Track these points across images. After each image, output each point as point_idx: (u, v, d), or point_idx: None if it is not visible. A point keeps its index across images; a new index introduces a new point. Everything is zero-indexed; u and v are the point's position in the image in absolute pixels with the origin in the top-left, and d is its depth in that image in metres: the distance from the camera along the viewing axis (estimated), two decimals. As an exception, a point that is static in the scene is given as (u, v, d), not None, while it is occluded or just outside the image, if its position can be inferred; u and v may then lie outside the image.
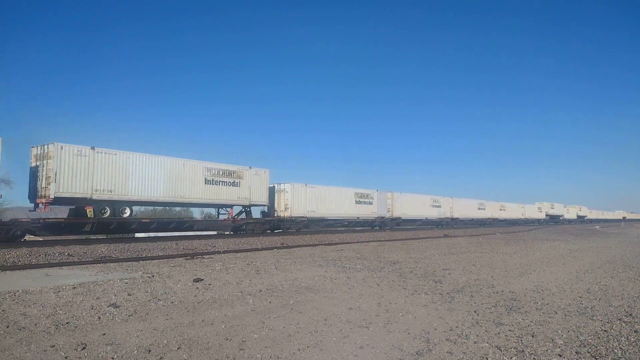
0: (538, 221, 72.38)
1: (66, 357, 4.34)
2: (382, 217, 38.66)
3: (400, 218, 41.17)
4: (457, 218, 50.32)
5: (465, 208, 52.13)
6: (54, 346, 4.64)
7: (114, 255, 13.92)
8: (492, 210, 57.92)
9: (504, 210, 62.49)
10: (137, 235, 25.42)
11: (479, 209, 55.22)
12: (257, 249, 16.86)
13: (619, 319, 6.17)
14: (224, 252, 15.54)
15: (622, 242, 26.27)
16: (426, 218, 45.79)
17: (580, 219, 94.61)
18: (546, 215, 75.13)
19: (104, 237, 23.03)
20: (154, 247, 16.87)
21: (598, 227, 61.56)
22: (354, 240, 22.80)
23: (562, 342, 5.02)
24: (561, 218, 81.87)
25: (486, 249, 18.73)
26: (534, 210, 72.30)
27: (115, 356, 4.39)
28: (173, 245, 17.82)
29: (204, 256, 13.93)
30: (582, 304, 7.22)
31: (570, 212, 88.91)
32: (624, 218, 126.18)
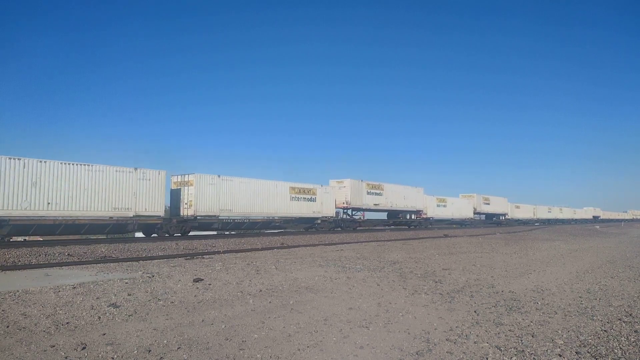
0: (328, 221, 32.38)
1: (66, 357, 4.34)
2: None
3: (215, 216, 25.30)
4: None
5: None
6: (54, 346, 4.64)
7: (113, 255, 13.92)
8: None
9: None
10: (137, 235, 25.67)
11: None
12: (257, 249, 16.86)
13: (619, 319, 6.17)
14: (224, 252, 15.54)
15: (622, 242, 26.26)
16: (283, 218, 29.46)
17: (492, 219, 57.98)
18: (378, 206, 37.12)
19: (104, 237, 23.08)
20: (154, 247, 16.87)
21: (598, 227, 61.32)
22: (353, 240, 22.80)
23: (562, 342, 5.02)
24: (433, 218, 45.20)
25: (486, 249, 18.74)
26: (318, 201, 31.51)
27: (115, 356, 4.39)
28: (173, 245, 17.81)
29: (204, 256, 13.94)
30: (582, 304, 7.21)
31: (461, 208, 49.49)
32: (594, 217, 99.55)
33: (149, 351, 4.54)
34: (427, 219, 44.56)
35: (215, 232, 27.90)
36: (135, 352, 4.51)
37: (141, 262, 12.28)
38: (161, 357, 4.38)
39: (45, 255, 13.45)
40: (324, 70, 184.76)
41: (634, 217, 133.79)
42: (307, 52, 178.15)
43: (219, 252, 15.31)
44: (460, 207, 50.10)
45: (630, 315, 6.46)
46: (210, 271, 10.25)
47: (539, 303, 7.21)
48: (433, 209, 45.26)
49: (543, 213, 74.56)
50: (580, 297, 7.82)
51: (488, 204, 56.42)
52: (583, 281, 9.71)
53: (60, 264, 11.50)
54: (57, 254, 13.68)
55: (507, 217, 60.85)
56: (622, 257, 15.63)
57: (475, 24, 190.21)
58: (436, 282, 9.24)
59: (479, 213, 54.98)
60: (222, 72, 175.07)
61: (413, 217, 42.95)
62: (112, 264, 11.70)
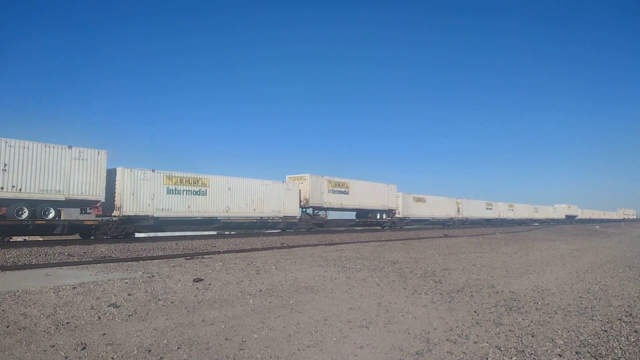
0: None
1: (66, 357, 4.34)
2: None
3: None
4: None
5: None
6: (54, 346, 4.64)
7: (114, 255, 13.92)
8: None
9: None
10: (137, 235, 25.63)
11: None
12: (257, 249, 16.86)
13: (619, 319, 6.17)
14: (224, 252, 15.54)
15: (622, 242, 26.25)
16: None
17: (367, 216, 37.83)
18: None
19: (104, 237, 23.05)
20: (154, 247, 16.87)
21: (598, 227, 61.13)
22: (354, 240, 22.80)
23: (562, 342, 5.02)
24: (161, 219, 22.79)
25: (486, 249, 18.74)
26: None
27: (115, 356, 4.38)
28: (173, 245, 17.82)
29: (204, 256, 13.93)
30: (582, 304, 7.21)
31: (266, 200, 28.18)
32: (568, 217, 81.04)
33: (149, 351, 4.54)
34: (145, 217, 22.29)
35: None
36: (135, 352, 4.51)
37: (141, 262, 12.28)
38: (161, 357, 4.38)
39: (45, 255, 13.45)
40: (324, 70, 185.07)
41: (625, 217, 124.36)
42: (307, 52, 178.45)
43: (219, 252, 15.31)
44: (267, 197, 28.54)
45: (630, 315, 6.46)
46: (210, 271, 10.25)
47: (539, 303, 7.21)
48: (167, 202, 22.92)
49: (476, 210, 52.59)
50: (580, 297, 7.82)
51: (345, 192, 34.60)
52: (583, 281, 9.70)
53: (60, 264, 11.49)
54: (57, 254, 13.68)
55: (397, 215, 40.80)
56: (622, 257, 15.62)
57: (475, 24, 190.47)
58: (436, 282, 9.24)
59: (318, 207, 33.48)
60: (222, 72, 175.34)
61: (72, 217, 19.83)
62: (112, 264, 11.70)
